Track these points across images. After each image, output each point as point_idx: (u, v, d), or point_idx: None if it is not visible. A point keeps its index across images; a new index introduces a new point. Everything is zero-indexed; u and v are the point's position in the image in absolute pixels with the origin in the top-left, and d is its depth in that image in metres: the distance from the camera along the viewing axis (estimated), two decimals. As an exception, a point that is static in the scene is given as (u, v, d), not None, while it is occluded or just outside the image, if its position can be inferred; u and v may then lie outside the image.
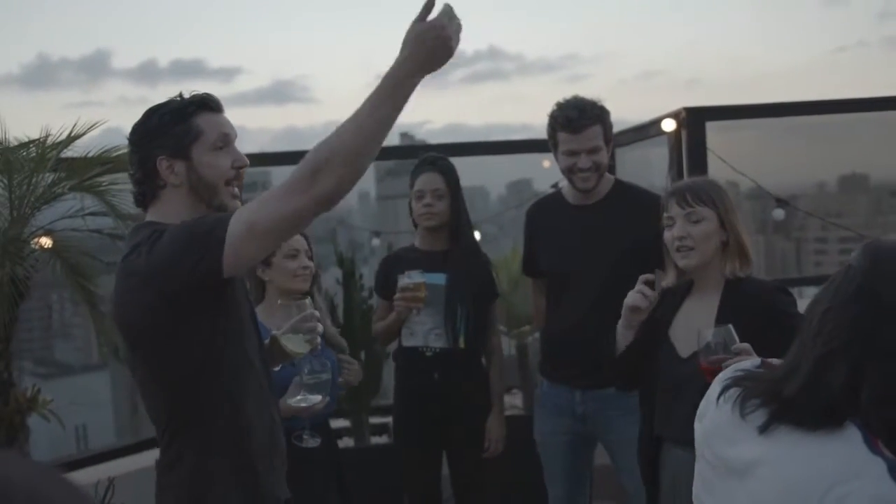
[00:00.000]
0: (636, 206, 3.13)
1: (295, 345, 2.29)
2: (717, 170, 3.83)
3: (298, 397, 2.50)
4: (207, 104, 1.98)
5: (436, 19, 1.74)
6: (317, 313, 2.32)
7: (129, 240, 1.95)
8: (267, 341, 2.25)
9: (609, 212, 3.13)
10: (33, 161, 3.19)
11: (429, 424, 3.29)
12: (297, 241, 2.85)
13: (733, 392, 1.31)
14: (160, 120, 1.95)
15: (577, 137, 3.05)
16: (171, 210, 1.94)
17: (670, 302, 2.49)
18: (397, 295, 3.11)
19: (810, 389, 1.19)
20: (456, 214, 3.28)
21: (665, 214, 2.44)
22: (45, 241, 3.84)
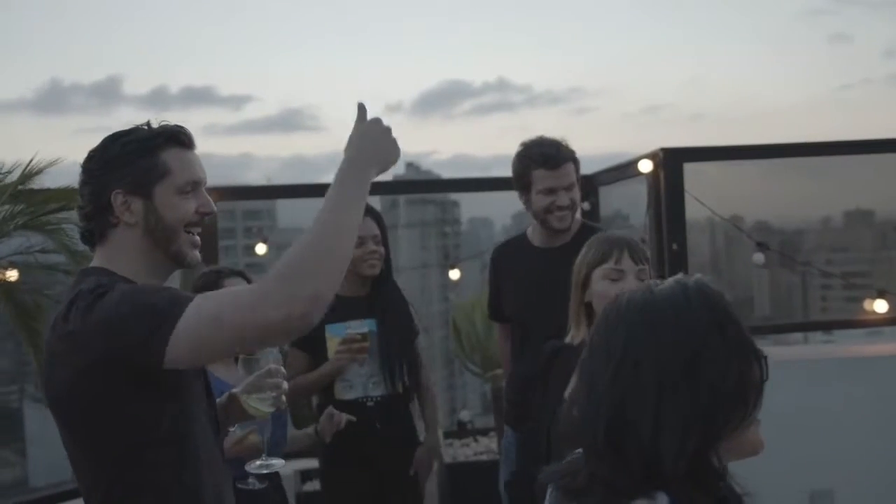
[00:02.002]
0: None
1: (260, 405, 2.07)
2: (694, 210, 3.76)
3: (259, 462, 2.23)
4: (178, 138, 1.77)
5: (374, 118, 1.73)
6: (282, 369, 2.11)
7: (70, 290, 1.74)
8: (222, 398, 2.05)
9: (574, 256, 3.02)
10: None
11: (367, 478, 3.15)
12: (238, 285, 2.71)
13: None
14: (122, 149, 1.73)
15: (555, 174, 2.98)
16: (121, 254, 1.74)
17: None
18: (341, 347, 2.99)
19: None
20: (388, 260, 3.21)
21: (610, 266, 2.24)
22: (11, 274, 3.75)
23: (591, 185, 4.71)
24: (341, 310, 3.05)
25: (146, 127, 1.77)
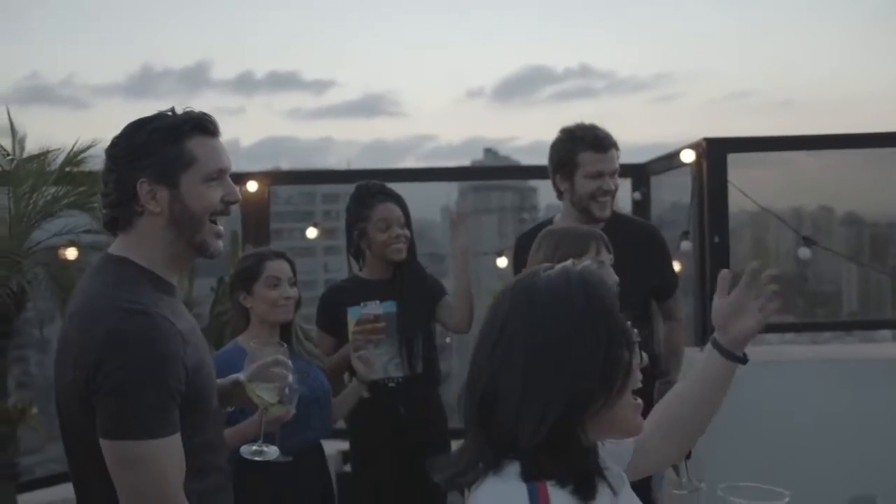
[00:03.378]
0: (635, 239, 2.99)
1: (265, 394, 2.08)
2: (738, 202, 3.66)
3: (254, 448, 2.23)
4: (204, 126, 1.75)
5: None
6: (288, 361, 2.10)
7: (90, 278, 1.76)
8: (226, 380, 2.06)
9: (611, 244, 2.96)
10: (35, 174, 3.23)
11: (397, 460, 3.17)
12: (280, 267, 2.76)
13: None
14: (148, 137, 1.71)
15: (604, 157, 2.95)
16: (145, 242, 1.73)
17: None
18: (356, 328, 3.00)
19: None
20: (413, 243, 3.22)
21: (592, 256, 2.27)
22: (71, 252, 3.90)
23: (643, 174, 4.63)
24: (364, 292, 3.12)
25: (171, 113, 1.75)
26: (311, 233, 5.08)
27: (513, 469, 1.22)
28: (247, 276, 2.77)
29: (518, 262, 3.17)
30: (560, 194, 3.10)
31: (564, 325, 1.23)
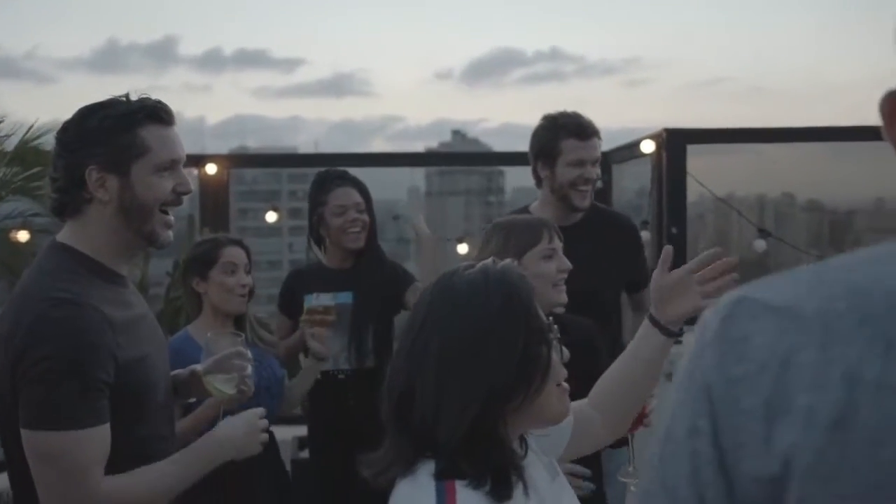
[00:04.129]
0: (615, 229, 2.98)
1: (223, 386, 2.06)
2: (695, 192, 3.68)
3: None
4: (158, 115, 1.71)
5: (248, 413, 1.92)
6: (248, 352, 2.09)
7: (33, 265, 1.74)
8: (184, 371, 2.06)
9: (589, 235, 2.89)
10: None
11: (348, 449, 3.17)
12: (237, 254, 2.72)
13: None
14: (100, 123, 1.67)
15: (586, 145, 2.90)
16: (92, 231, 1.70)
17: None
18: (304, 316, 2.96)
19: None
20: (373, 231, 3.17)
21: (545, 245, 2.21)
22: (22, 235, 3.82)
23: (604, 163, 4.62)
24: (322, 281, 3.10)
25: (125, 99, 1.72)
26: (271, 217, 5.06)
27: (426, 469, 1.23)
28: (202, 262, 2.73)
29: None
30: (539, 182, 3.01)
31: (481, 324, 1.25)
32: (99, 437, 1.62)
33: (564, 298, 2.26)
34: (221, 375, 2.04)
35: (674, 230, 3.65)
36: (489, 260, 1.36)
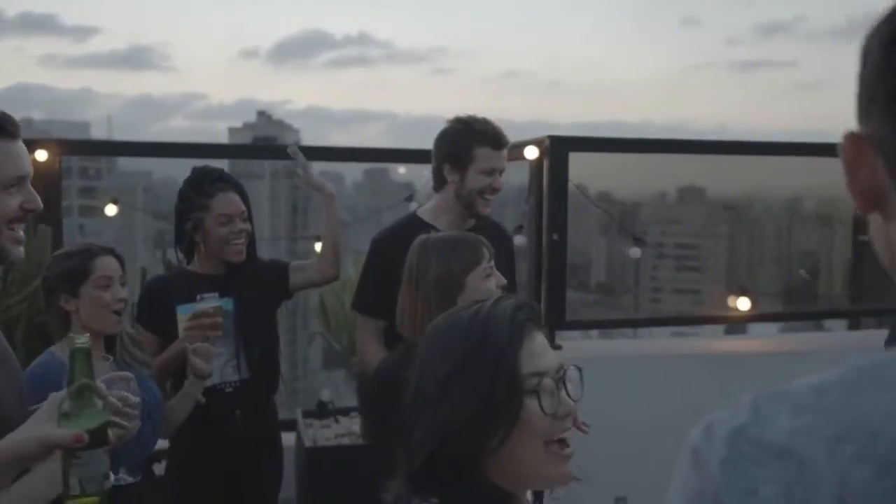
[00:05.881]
0: (497, 237, 2.94)
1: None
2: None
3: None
4: (4, 128, 1.60)
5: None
6: (132, 380, 1.86)
7: None
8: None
9: None
10: None
11: (227, 472, 2.95)
12: (109, 263, 2.43)
13: None
14: None
15: (500, 155, 2.86)
16: None
17: None
18: (191, 322, 2.72)
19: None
20: (253, 239, 2.98)
21: (485, 265, 2.26)
22: None
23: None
24: (195, 288, 2.84)
25: None
26: (111, 210, 4.60)
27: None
28: (72, 276, 2.42)
29: (384, 262, 2.84)
30: (440, 184, 2.94)
31: (450, 366, 1.26)
32: None
33: None
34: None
35: (555, 237, 3.65)
36: (487, 300, 1.33)
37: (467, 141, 2.84)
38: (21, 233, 1.65)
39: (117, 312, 2.43)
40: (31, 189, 1.65)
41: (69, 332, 2.39)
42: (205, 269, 2.93)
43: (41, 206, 1.66)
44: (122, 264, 2.50)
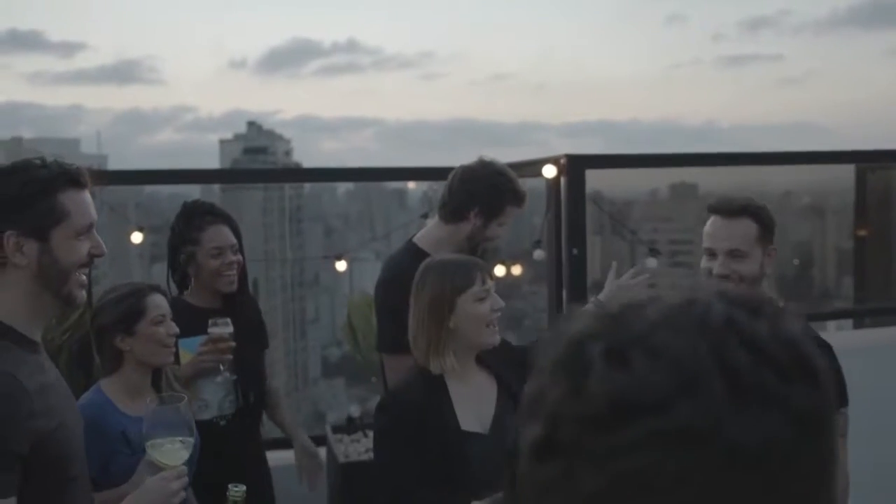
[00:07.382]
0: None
1: (169, 458, 2.06)
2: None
3: None
4: (77, 179, 1.73)
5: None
6: (192, 420, 2.09)
7: None
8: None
9: None
10: None
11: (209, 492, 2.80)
12: (160, 301, 2.53)
13: None
14: (21, 191, 1.67)
15: (520, 212, 2.99)
16: (7, 295, 1.69)
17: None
18: (206, 347, 2.81)
19: None
20: (245, 271, 3.03)
21: (478, 287, 2.28)
22: None
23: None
24: (194, 323, 2.84)
25: (39, 162, 1.71)
26: (137, 237, 4.70)
27: None
28: (127, 317, 2.49)
29: (395, 301, 2.70)
30: (457, 219, 2.94)
31: (536, 385, 1.38)
32: None
33: (496, 339, 2.33)
34: (168, 446, 2.05)
35: (575, 251, 3.79)
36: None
37: (501, 198, 2.92)
38: (84, 277, 1.77)
39: (168, 346, 2.55)
40: (97, 236, 1.78)
41: (121, 367, 2.51)
42: (201, 302, 2.97)
43: (105, 251, 1.80)
44: (169, 301, 2.62)
